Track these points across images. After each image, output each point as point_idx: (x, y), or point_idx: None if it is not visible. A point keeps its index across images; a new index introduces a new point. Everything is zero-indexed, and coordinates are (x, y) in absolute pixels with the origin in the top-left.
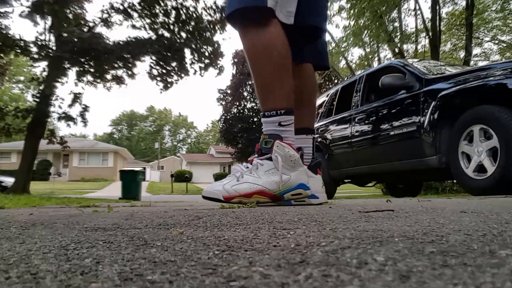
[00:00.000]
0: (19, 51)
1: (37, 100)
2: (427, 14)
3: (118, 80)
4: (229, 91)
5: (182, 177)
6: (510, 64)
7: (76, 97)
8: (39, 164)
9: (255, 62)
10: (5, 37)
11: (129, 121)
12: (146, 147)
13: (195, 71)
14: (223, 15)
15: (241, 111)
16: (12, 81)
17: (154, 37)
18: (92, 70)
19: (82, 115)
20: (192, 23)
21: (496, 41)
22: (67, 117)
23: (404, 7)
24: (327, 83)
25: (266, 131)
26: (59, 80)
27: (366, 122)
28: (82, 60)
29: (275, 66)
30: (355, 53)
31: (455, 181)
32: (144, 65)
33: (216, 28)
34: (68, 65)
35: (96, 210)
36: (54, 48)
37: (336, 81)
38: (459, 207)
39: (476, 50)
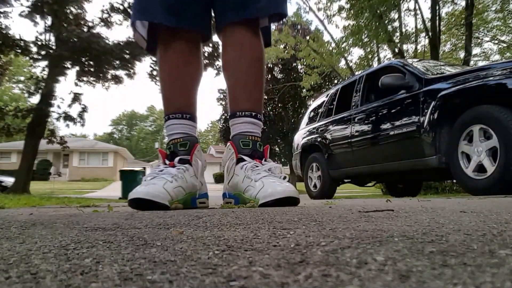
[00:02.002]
0: (19, 51)
1: (33, 96)
2: (427, 14)
3: (117, 79)
4: None
5: None
6: (510, 64)
7: (76, 97)
8: (39, 164)
9: (263, 64)
10: (5, 37)
11: (129, 121)
12: (146, 147)
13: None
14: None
15: None
16: (12, 81)
17: None
18: (91, 69)
19: (80, 115)
20: None
21: (496, 41)
22: (66, 117)
23: (404, 7)
24: (327, 83)
25: (257, 133)
26: (59, 79)
27: (366, 122)
28: (82, 59)
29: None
30: (355, 53)
31: (454, 181)
32: (144, 65)
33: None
34: (67, 65)
35: (96, 210)
36: (54, 47)
37: (336, 81)
38: (459, 207)
39: (476, 50)
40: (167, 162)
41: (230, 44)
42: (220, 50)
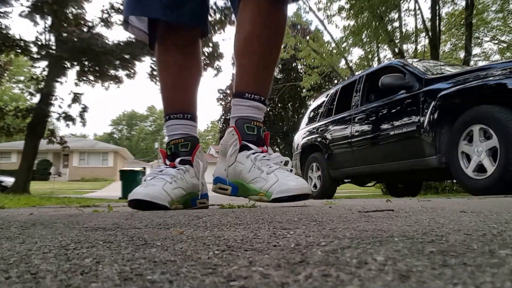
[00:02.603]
0: (19, 51)
1: (34, 97)
2: (427, 14)
3: (117, 79)
4: (229, 91)
5: None
6: (510, 64)
7: (76, 97)
8: (39, 164)
9: (281, 41)
10: (5, 37)
11: (129, 121)
12: (146, 147)
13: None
14: (223, 15)
15: None
16: (12, 81)
17: None
18: (91, 69)
19: (81, 115)
20: None
21: (496, 41)
22: (66, 117)
23: (404, 7)
24: (327, 83)
25: (261, 119)
26: (59, 79)
27: (366, 122)
28: (82, 60)
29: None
30: (355, 53)
31: (455, 181)
32: (144, 65)
33: (216, 28)
34: (67, 65)
35: (96, 210)
36: (54, 48)
37: (336, 81)
38: (459, 207)
39: (476, 50)
40: (168, 162)
41: (251, 16)
42: (220, 50)
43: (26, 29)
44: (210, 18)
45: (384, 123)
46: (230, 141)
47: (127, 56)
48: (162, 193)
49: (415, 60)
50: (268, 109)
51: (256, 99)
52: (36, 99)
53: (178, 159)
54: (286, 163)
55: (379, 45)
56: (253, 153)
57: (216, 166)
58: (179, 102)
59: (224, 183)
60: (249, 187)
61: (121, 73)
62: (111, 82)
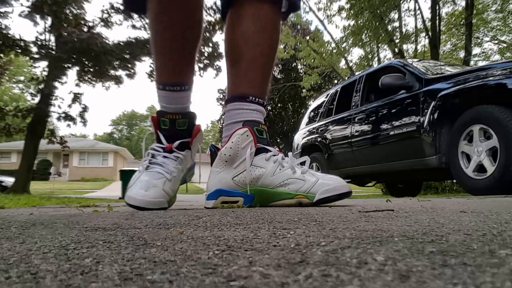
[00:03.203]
0: (19, 51)
1: (36, 98)
2: (427, 14)
3: (117, 79)
4: None
5: None
6: (510, 64)
7: (76, 97)
8: (39, 164)
9: (277, 48)
10: (5, 37)
11: (129, 121)
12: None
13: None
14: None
15: None
16: (12, 81)
17: None
18: (91, 70)
19: (81, 115)
20: None
21: (496, 41)
22: (67, 117)
23: (404, 7)
24: (327, 83)
25: (261, 121)
26: (59, 79)
27: (366, 122)
28: (82, 60)
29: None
30: (355, 53)
31: (455, 181)
32: (144, 65)
33: (216, 28)
34: (67, 65)
35: (96, 210)
36: (54, 48)
37: (336, 81)
38: (459, 207)
39: (476, 50)
40: (164, 142)
41: (251, 17)
42: (220, 50)
43: (26, 29)
44: (210, 18)
45: (384, 123)
46: (243, 143)
47: (127, 56)
48: (162, 194)
49: (415, 60)
50: (268, 109)
51: (260, 103)
52: (37, 99)
53: (177, 142)
54: (303, 163)
55: (379, 45)
56: (274, 155)
57: (213, 178)
58: (175, 70)
59: (232, 195)
60: (276, 192)
61: (121, 73)
62: (111, 82)
